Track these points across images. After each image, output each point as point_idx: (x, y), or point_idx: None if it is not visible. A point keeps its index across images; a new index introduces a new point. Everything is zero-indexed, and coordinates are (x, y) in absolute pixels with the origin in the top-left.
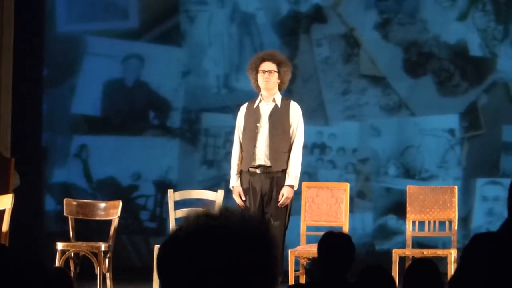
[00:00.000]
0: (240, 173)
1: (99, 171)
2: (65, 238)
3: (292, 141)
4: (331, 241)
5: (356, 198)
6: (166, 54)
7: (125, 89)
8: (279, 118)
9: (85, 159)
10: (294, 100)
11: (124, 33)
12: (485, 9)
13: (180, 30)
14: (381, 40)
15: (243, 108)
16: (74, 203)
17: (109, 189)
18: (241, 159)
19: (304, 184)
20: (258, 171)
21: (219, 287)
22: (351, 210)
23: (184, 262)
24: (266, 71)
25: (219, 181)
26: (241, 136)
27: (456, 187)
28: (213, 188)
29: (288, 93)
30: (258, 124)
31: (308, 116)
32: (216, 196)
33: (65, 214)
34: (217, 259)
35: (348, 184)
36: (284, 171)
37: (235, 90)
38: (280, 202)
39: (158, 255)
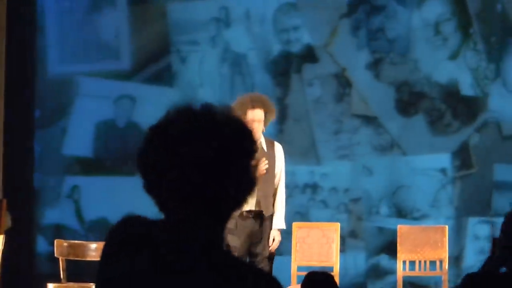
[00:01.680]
0: None
1: (91, 212)
2: (57, 279)
3: (277, 183)
4: (314, 281)
5: (348, 238)
6: (157, 95)
7: (117, 130)
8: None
9: (77, 200)
10: (285, 140)
11: (115, 74)
12: (476, 48)
13: (172, 71)
14: (372, 79)
15: None
16: (65, 244)
17: (101, 230)
18: None
19: (294, 224)
20: (248, 215)
21: (203, 175)
22: (343, 250)
23: (166, 151)
24: (256, 120)
25: None
26: None
27: (446, 226)
28: None
29: (279, 133)
30: None
31: (300, 156)
32: None
33: (55, 255)
34: (201, 146)
35: (339, 224)
36: (271, 214)
37: None
38: (272, 247)
39: (140, 148)
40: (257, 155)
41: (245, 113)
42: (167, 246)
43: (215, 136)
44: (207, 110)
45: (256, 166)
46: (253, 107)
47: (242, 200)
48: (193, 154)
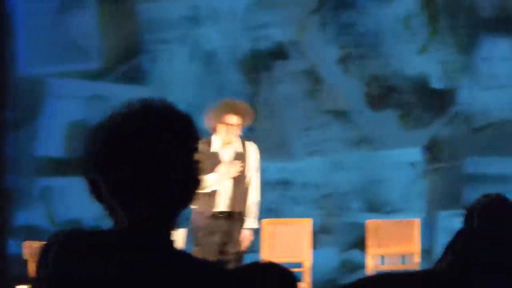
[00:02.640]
0: (198, 214)
1: (62, 213)
2: (27, 281)
3: (249, 182)
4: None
5: (320, 233)
6: (128, 94)
7: (89, 128)
8: (242, 165)
9: (48, 201)
10: (257, 137)
11: (86, 74)
12: (445, 41)
13: (143, 70)
14: (342, 74)
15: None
16: (35, 245)
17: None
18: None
19: (264, 221)
20: (220, 215)
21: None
22: (315, 246)
23: (114, 150)
24: (235, 125)
25: (181, 221)
26: None
27: (417, 220)
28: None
29: (250, 130)
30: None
31: (271, 153)
32: (177, 236)
33: (24, 256)
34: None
35: (310, 219)
36: (243, 213)
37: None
38: (243, 246)
39: (86, 150)
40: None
41: (222, 118)
42: (130, 249)
43: (163, 131)
44: (151, 107)
45: (198, 163)
46: (231, 113)
47: (190, 197)
48: (144, 150)
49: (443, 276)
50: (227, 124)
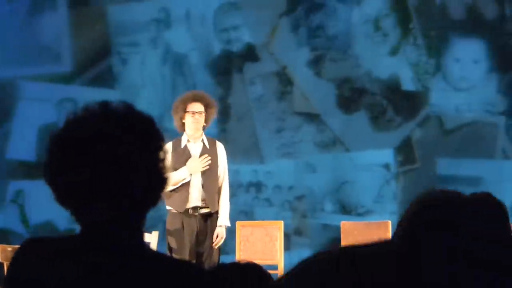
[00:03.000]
0: (172, 214)
1: (36, 216)
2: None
3: (221, 181)
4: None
5: (293, 235)
6: (99, 97)
7: (50, 131)
8: (210, 159)
9: (21, 205)
10: (228, 139)
11: (57, 76)
12: (416, 43)
13: (113, 72)
14: (313, 76)
15: (168, 148)
16: (9, 248)
17: (46, 234)
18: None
19: (238, 223)
20: (192, 211)
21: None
22: (288, 247)
23: (76, 153)
24: (196, 112)
25: (156, 222)
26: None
27: (389, 222)
28: (149, 229)
29: (222, 132)
30: None
31: (243, 155)
32: (151, 238)
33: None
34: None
35: (282, 222)
36: (216, 212)
37: (168, 131)
38: (216, 243)
39: (47, 157)
40: (200, 151)
41: (185, 107)
42: (95, 252)
43: (124, 133)
44: (111, 110)
45: (163, 162)
46: (192, 101)
47: (155, 198)
48: (103, 152)
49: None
50: (191, 112)
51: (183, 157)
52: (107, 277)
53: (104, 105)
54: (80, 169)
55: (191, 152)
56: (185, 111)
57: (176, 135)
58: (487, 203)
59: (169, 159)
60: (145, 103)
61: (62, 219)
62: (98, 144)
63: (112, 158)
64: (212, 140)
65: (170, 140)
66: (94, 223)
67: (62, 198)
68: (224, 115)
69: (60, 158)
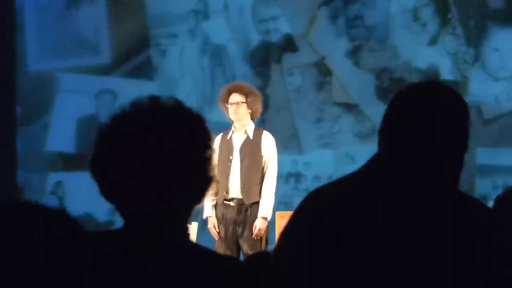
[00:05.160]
0: (215, 204)
1: (75, 208)
2: None
3: (264, 172)
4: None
5: None
6: (138, 89)
7: (99, 125)
8: (250, 149)
9: (61, 197)
10: (267, 130)
11: (96, 68)
12: (455, 32)
13: (152, 64)
14: (352, 67)
15: (217, 140)
16: None
17: (86, 225)
18: (216, 190)
19: (278, 213)
20: (232, 203)
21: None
22: None
23: (127, 146)
24: (234, 103)
25: (194, 214)
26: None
27: None
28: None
29: (261, 123)
30: (230, 157)
31: (282, 146)
32: (190, 229)
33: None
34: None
35: None
36: (257, 203)
37: (208, 122)
38: (254, 234)
39: (96, 151)
40: (241, 142)
41: (225, 100)
42: (140, 245)
43: (172, 127)
44: (159, 104)
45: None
46: (230, 92)
47: (201, 193)
48: (150, 146)
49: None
50: (231, 103)
51: (226, 148)
52: (152, 270)
53: (153, 100)
54: (127, 162)
55: (234, 144)
56: (226, 103)
57: (214, 126)
58: None
59: (216, 152)
60: (184, 95)
61: (102, 211)
62: (145, 137)
63: (158, 151)
64: (258, 130)
65: (216, 133)
66: (139, 216)
67: (109, 191)
68: (263, 106)
69: (108, 151)
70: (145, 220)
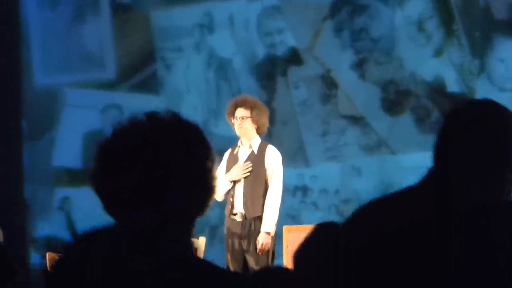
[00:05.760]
0: (226, 218)
1: (82, 223)
2: None
3: (267, 186)
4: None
5: None
6: (144, 103)
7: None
8: (253, 164)
9: (68, 212)
10: (273, 144)
11: (101, 83)
12: (460, 44)
13: (157, 78)
14: (358, 79)
15: (225, 155)
16: (57, 257)
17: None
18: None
19: (285, 227)
20: (237, 218)
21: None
22: None
23: (125, 161)
24: (239, 118)
25: (202, 228)
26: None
27: None
28: (196, 234)
29: (267, 136)
30: None
31: (289, 159)
32: (198, 243)
33: (48, 268)
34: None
35: None
36: (261, 217)
37: (214, 136)
38: (258, 249)
39: (97, 166)
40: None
41: (233, 113)
42: (138, 258)
43: (169, 140)
44: (156, 118)
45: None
46: (235, 106)
47: (201, 205)
48: (147, 159)
49: None
50: (236, 118)
51: (232, 163)
52: (148, 283)
53: (150, 114)
54: (124, 176)
55: (239, 159)
56: (232, 117)
57: (220, 140)
58: None
59: (221, 166)
60: (189, 108)
61: None
62: (141, 151)
63: (153, 164)
64: (263, 144)
65: (222, 146)
66: (136, 230)
67: (108, 205)
68: (269, 120)
69: (106, 166)
70: (141, 233)
